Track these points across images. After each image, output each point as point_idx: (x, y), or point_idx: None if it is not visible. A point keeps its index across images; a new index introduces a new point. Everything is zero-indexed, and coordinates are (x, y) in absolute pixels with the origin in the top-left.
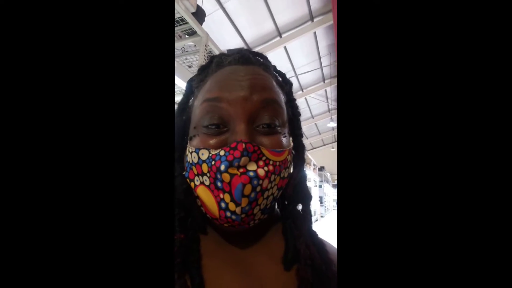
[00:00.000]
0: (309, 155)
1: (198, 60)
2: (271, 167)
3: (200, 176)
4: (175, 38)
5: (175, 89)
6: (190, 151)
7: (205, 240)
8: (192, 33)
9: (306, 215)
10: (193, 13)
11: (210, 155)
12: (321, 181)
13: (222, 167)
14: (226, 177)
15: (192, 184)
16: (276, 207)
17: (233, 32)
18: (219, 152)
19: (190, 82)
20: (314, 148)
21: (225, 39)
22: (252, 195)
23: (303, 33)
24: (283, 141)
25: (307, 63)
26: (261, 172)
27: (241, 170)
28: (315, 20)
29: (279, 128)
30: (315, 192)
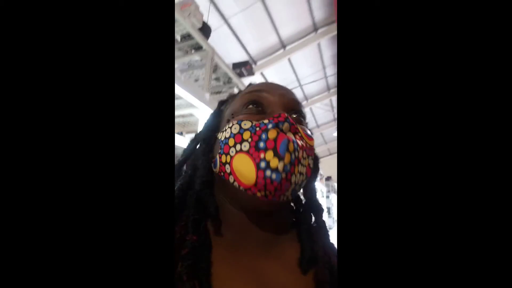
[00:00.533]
0: None
1: (205, 73)
2: (304, 144)
3: (238, 145)
4: (182, 53)
5: (182, 102)
6: (230, 125)
7: (216, 245)
8: (198, 48)
9: (321, 225)
10: (199, 29)
11: (254, 123)
12: (328, 192)
13: (270, 126)
14: (273, 133)
15: (227, 158)
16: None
17: (238, 46)
18: (262, 120)
19: (222, 100)
20: (320, 158)
21: (230, 53)
22: (293, 156)
23: (307, 45)
24: (308, 131)
25: (311, 74)
26: (299, 142)
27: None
28: (319, 31)
29: (305, 121)
30: (322, 203)
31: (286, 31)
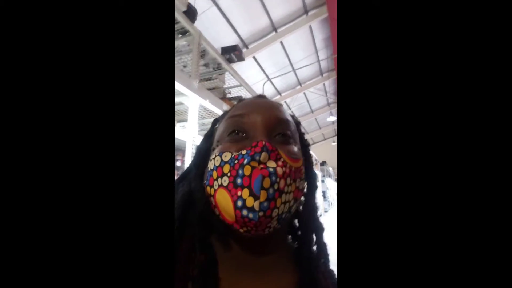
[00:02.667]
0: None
1: (192, 59)
2: (287, 169)
3: (219, 179)
4: None
5: None
6: (213, 157)
7: (219, 265)
8: (184, 32)
9: (322, 247)
10: (184, 12)
11: (233, 155)
12: (324, 176)
13: (245, 161)
14: (248, 169)
15: (212, 191)
16: (289, 239)
17: (228, 28)
18: (241, 152)
19: (216, 119)
20: (315, 143)
21: (220, 36)
22: (271, 191)
23: (299, 27)
24: (296, 150)
25: (304, 57)
26: (279, 170)
27: (262, 165)
28: (309, 13)
29: (291, 140)
30: (318, 187)
31: (277, 14)
